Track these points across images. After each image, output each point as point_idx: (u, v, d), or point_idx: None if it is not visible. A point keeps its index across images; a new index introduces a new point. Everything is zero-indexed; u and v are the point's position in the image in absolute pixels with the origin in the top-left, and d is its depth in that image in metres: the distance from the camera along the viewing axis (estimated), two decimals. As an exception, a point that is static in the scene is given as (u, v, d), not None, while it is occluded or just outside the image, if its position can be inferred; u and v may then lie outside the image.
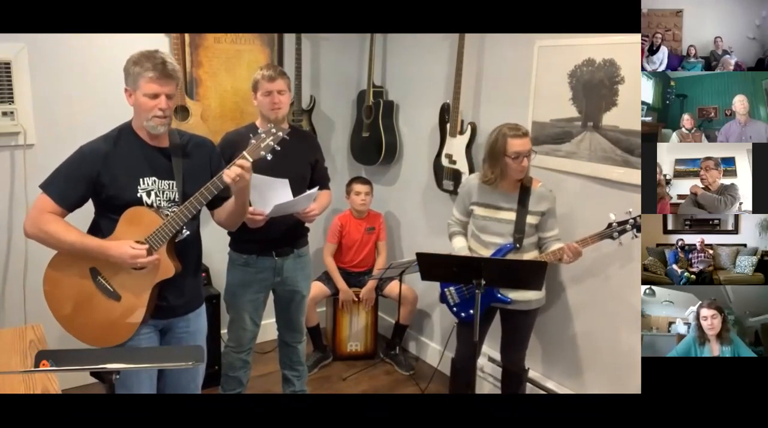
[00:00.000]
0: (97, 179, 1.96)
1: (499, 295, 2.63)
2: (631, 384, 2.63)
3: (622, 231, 2.42)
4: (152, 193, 2.01)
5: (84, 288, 2.02)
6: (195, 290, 2.21)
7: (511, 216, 2.61)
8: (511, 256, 2.60)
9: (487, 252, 2.65)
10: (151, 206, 2.01)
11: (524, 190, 2.61)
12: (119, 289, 2.01)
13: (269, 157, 2.03)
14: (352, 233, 3.75)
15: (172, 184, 2.05)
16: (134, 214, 1.97)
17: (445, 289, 2.78)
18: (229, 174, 1.95)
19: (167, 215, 1.99)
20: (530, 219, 2.60)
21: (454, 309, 2.77)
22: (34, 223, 1.96)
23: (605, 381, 2.80)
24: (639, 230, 2.37)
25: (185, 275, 2.10)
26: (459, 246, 2.77)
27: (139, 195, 1.99)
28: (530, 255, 2.64)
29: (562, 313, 2.95)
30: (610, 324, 2.74)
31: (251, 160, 2.01)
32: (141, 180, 2.00)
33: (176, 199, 2.05)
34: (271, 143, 2.01)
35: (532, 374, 2.99)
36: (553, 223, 2.66)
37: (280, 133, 2.02)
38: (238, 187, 2.01)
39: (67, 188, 1.97)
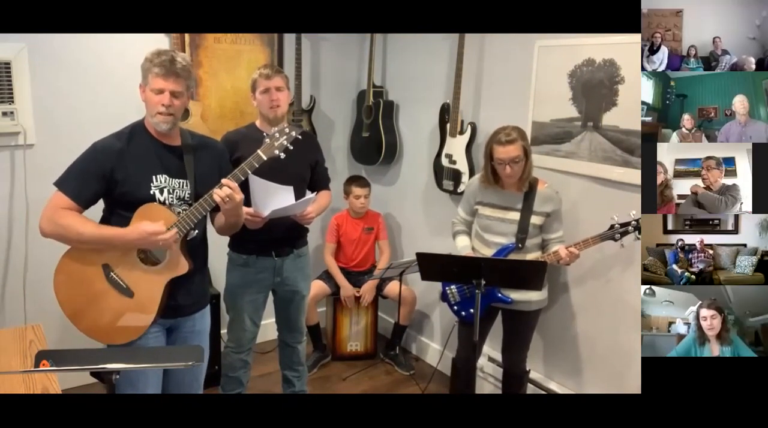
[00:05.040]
0: (111, 176, 1.97)
1: (500, 295, 2.63)
2: (631, 384, 2.63)
3: (624, 233, 2.42)
4: (164, 190, 2.02)
5: (96, 285, 2.02)
6: (202, 290, 2.24)
7: (515, 216, 2.61)
8: (513, 256, 2.60)
9: (489, 252, 2.65)
10: (163, 204, 2.02)
11: (529, 191, 2.61)
12: (132, 286, 2.02)
13: (282, 155, 2.06)
14: (349, 232, 3.75)
15: (183, 182, 2.06)
16: (149, 210, 1.98)
17: (447, 288, 2.78)
18: (220, 193, 1.98)
19: (179, 213, 2.01)
20: (534, 220, 2.60)
21: (455, 307, 2.77)
22: (51, 220, 1.96)
23: (605, 381, 2.80)
24: (641, 232, 2.37)
25: (193, 275, 2.11)
26: (462, 245, 2.77)
27: (152, 192, 2.00)
28: (533, 255, 2.63)
29: (563, 314, 2.95)
30: (611, 325, 2.74)
31: (265, 157, 2.04)
32: (154, 177, 2.01)
33: (186, 198, 2.06)
34: (285, 142, 2.05)
35: (533, 375, 2.99)
36: (557, 225, 2.65)
37: (293, 133, 2.06)
38: (227, 208, 2.02)
39: (81, 185, 1.97)
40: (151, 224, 1.94)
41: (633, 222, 2.39)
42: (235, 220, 2.18)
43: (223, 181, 1.99)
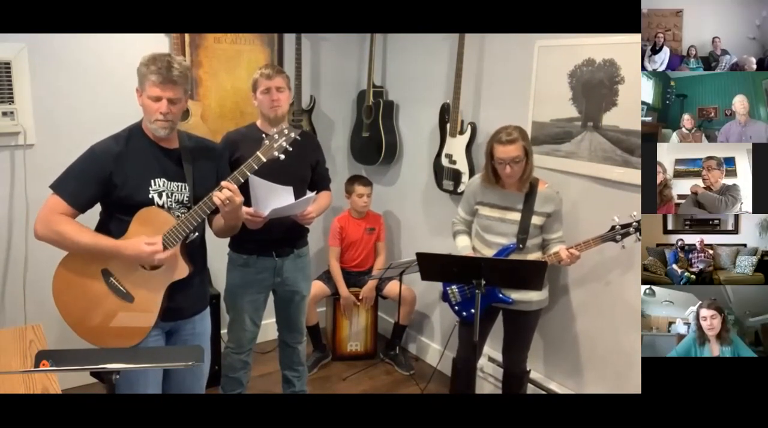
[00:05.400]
0: (109, 179, 1.95)
1: (500, 295, 2.63)
2: (631, 384, 2.64)
3: (626, 234, 2.42)
4: (163, 194, 2.01)
5: (95, 290, 2.00)
6: (201, 292, 2.23)
7: (516, 216, 2.61)
8: (513, 257, 2.60)
9: (490, 252, 2.65)
10: (162, 207, 2.00)
11: (530, 191, 2.61)
12: (132, 290, 2.01)
13: (282, 157, 2.05)
14: (351, 234, 3.75)
15: (181, 185, 2.05)
16: (147, 214, 1.97)
17: (448, 288, 2.78)
18: (219, 196, 1.96)
19: (178, 216, 1.99)
20: (535, 220, 2.60)
21: (456, 308, 2.77)
22: (46, 224, 1.94)
23: (606, 381, 2.80)
24: (641, 232, 2.37)
25: (192, 277, 2.10)
26: (462, 246, 2.77)
27: (150, 196, 1.99)
28: (534, 256, 2.63)
29: (563, 314, 2.94)
30: (611, 325, 2.74)
31: (265, 159, 2.03)
32: (152, 181, 2.00)
33: (185, 201, 2.05)
34: (284, 144, 2.04)
35: (533, 375, 2.99)
36: (558, 226, 2.65)
37: (292, 134, 2.05)
38: (227, 210, 2.00)
39: (78, 188, 1.95)
40: (148, 242, 1.92)
41: (634, 223, 2.39)
42: (234, 223, 2.17)
43: (223, 183, 1.98)
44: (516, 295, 2.64)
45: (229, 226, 2.18)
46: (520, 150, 2.50)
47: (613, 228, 2.44)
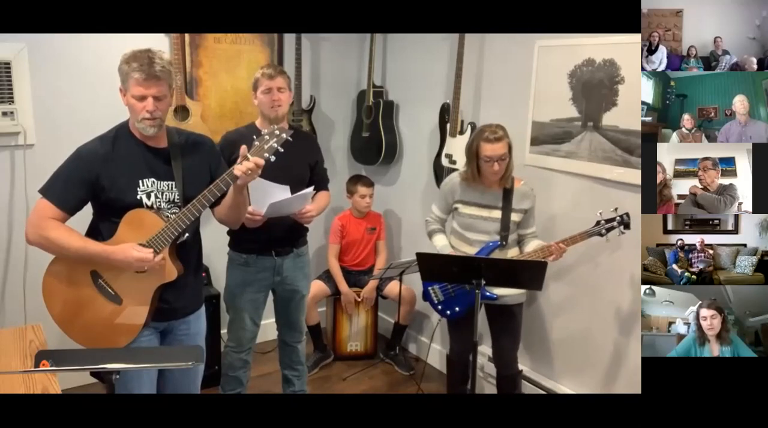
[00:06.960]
0: (96, 181, 1.94)
1: (487, 294, 2.64)
2: (631, 384, 2.64)
3: (610, 229, 2.45)
4: (152, 194, 1.99)
5: (84, 291, 2.00)
6: (195, 292, 2.20)
7: (497, 214, 2.63)
8: (496, 253, 2.62)
9: (472, 250, 2.66)
10: (151, 208, 1.99)
11: (508, 189, 2.63)
12: (121, 292, 2.00)
13: (272, 158, 2.02)
14: (352, 233, 3.75)
15: (171, 184, 2.02)
16: (135, 216, 1.95)
17: (429, 288, 2.78)
18: (241, 168, 1.91)
19: (168, 217, 1.97)
20: (514, 217, 2.64)
21: (439, 307, 2.77)
22: (36, 230, 1.93)
23: (605, 381, 2.80)
24: (627, 227, 2.42)
25: (186, 277, 2.08)
26: (441, 245, 2.77)
27: (139, 197, 1.97)
28: (512, 251, 2.67)
29: (563, 314, 2.95)
30: (611, 325, 2.74)
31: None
32: (140, 181, 1.98)
33: (175, 200, 2.02)
34: (275, 145, 1.99)
35: (533, 375, 2.99)
36: (532, 221, 2.71)
37: (284, 135, 1.99)
38: (241, 184, 1.97)
39: (66, 192, 1.94)
40: (138, 250, 1.90)
41: (618, 217, 2.42)
42: (240, 201, 2.08)
43: (251, 157, 1.91)
44: (500, 291, 2.65)
45: (237, 203, 2.09)
46: (506, 147, 2.54)
47: (597, 223, 2.47)
